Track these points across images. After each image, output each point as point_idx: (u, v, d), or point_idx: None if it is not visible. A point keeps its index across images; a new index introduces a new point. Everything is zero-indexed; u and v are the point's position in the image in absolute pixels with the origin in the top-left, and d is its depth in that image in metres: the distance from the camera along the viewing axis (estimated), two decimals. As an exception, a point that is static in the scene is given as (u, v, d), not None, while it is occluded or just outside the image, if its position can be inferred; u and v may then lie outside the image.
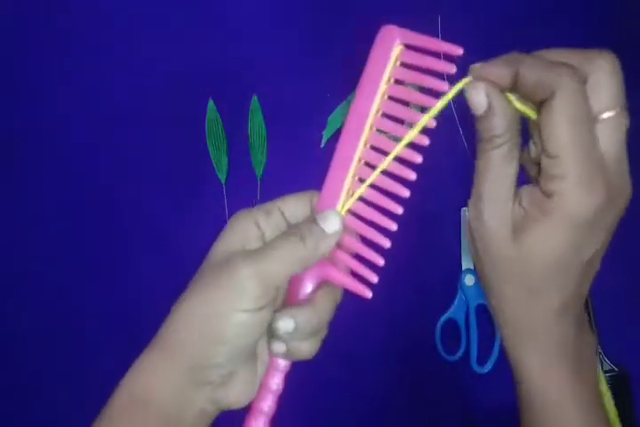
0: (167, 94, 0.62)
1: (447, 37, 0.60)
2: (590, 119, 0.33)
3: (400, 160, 0.37)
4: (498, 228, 0.35)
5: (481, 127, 0.35)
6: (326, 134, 0.62)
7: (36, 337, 0.62)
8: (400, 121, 0.37)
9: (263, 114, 0.62)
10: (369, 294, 0.37)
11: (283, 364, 0.39)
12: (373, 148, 0.38)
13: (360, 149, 0.38)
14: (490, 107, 0.34)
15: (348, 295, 0.39)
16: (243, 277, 0.34)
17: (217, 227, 0.61)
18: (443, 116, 0.60)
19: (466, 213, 0.59)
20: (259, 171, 0.62)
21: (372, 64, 0.38)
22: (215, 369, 0.35)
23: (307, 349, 0.38)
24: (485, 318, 0.59)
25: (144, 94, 0.63)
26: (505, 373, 0.39)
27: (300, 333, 0.37)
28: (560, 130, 0.32)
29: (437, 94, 0.35)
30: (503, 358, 0.58)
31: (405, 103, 0.37)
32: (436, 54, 0.35)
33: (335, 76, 0.62)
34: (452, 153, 0.60)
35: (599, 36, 0.61)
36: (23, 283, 0.62)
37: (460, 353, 0.60)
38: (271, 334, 0.37)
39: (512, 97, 0.35)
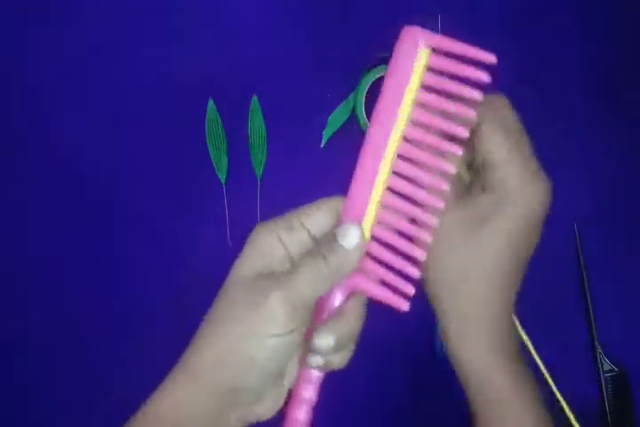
0: (167, 94, 0.62)
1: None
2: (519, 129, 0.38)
3: (431, 169, 0.36)
4: (456, 229, 0.38)
5: None
6: (326, 134, 0.62)
7: (35, 337, 0.62)
8: (429, 129, 0.36)
9: (263, 114, 0.62)
10: (406, 306, 0.37)
11: (316, 375, 0.38)
12: (401, 156, 0.36)
13: (386, 158, 0.36)
14: None
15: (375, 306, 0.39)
16: (272, 303, 0.34)
17: (217, 227, 0.62)
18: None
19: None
20: (259, 171, 0.62)
21: (394, 69, 0.36)
22: (245, 392, 0.36)
23: (341, 359, 0.38)
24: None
25: (144, 94, 0.63)
26: (505, 373, 0.39)
27: (338, 345, 0.37)
28: (496, 135, 0.37)
29: (468, 102, 0.34)
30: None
31: (435, 110, 0.36)
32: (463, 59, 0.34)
33: (335, 76, 0.62)
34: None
35: (599, 36, 0.61)
36: (23, 283, 0.62)
37: (459, 353, 0.60)
38: (309, 349, 0.37)
39: None
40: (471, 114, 0.34)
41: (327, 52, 0.63)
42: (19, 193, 0.63)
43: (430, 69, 0.35)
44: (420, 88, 0.36)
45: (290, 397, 0.38)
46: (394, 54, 0.36)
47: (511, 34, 0.61)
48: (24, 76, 0.63)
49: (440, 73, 0.35)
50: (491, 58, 0.33)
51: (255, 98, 0.62)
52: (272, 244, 0.37)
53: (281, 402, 0.38)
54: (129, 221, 0.62)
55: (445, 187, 0.35)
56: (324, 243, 0.37)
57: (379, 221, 0.37)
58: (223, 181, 0.62)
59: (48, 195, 0.63)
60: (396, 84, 0.36)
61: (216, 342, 0.35)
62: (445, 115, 0.35)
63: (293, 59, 0.63)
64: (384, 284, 0.38)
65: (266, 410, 0.37)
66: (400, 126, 0.36)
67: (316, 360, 0.37)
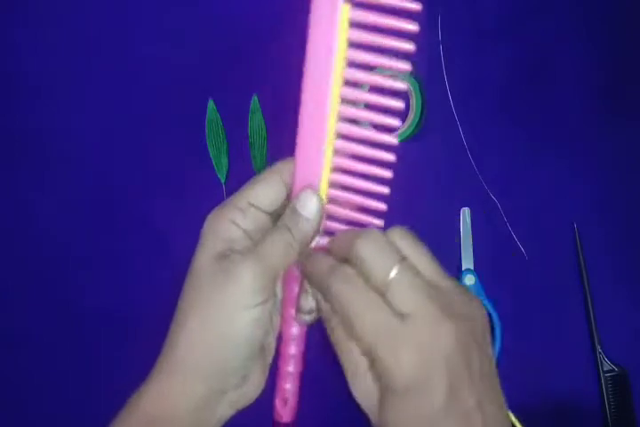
0: (167, 94, 0.62)
1: (447, 37, 0.61)
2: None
3: (376, 127, 0.36)
4: (365, 402, 0.36)
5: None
6: (326, 134, 0.62)
7: (34, 337, 0.62)
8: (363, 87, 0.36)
9: (263, 114, 0.62)
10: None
11: (297, 333, 0.40)
12: (343, 118, 0.37)
13: (329, 119, 0.37)
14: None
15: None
16: (245, 276, 0.35)
17: (217, 227, 0.61)
18: (442, 115, 0.60)
19: (465, 212, 0.59)
20: (259, 171, 0.62)
21: (316, 29, 0.35)
22: (232, 374, 0.36)
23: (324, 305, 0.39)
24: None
25: (144, 94, 0.63)
26: (504, 372, 0.39)
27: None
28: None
29: (402, 55, 0.33)
30: (502, 358, 0.58)
31: (368, 67, 0.35)
32: (389, 10, 0.33)
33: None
34: (451, 152, 0.60)
35: (598, 36, 0.61)
36: (23, 283, 0.62)
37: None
38: (298, 311, 0.38)
39: None
40: (405, 65, 0.34)
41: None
42: (18, 192, 0.63)
43: (354, 25, 0.34)
44: (347, 46, 0.35)
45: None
46: (311, 15, 0.34)
47: (511, 34, 0.61)
48: (24, 76, 0.63)
49: (365, 27, 0.34)
50: (415, 6, 0.32)
51: (255, 98, 0.62)
52: (228, 227, 0.38)
53: (264, 379, 0.39)
54: (129, 221, 0.62)
55: (393, 139, 0.35)
56: (286, 218, 0.37)
57: (332, 184, 0.38)
58: (223, 181, 0.62)
59: (47, 194, 0.63)
60: (322, 44, 0.35)
61: (194, 326, 0.35)
62: (380, 71, 0.35)
63: (293, 59, 0.63)
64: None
65: (252, 390, 0.38)
66: (336, 88, 0.36)
67: (309, 318, 0.38)
